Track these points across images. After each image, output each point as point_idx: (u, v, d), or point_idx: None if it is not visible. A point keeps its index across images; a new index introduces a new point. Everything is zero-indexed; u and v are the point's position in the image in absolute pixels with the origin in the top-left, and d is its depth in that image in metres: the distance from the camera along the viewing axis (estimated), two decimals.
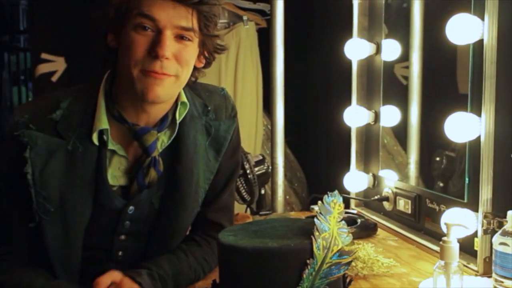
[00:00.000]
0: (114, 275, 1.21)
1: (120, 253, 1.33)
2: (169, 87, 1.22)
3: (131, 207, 1.30)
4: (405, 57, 1.86)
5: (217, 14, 1.25)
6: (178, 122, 1.30)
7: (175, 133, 1.31)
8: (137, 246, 1.34)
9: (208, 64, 1.33)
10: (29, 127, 1.23)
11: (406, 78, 1.90)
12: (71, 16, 2.62)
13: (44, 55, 2.75)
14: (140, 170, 1.27)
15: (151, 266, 1.28)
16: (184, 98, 1.32)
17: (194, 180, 1.33)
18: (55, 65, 2.77)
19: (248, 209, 1.99)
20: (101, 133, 1.25)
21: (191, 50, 1.23)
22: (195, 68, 1.30)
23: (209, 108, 1.38)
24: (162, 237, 1.34)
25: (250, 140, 2.90)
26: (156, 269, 1.27)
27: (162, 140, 1.30)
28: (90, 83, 1.31)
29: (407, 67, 1.87)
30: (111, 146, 1.26)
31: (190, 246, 1.38)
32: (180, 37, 1.21)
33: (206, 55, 1.31)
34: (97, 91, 1.27)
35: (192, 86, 1.38)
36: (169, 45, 1.19)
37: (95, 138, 1.24)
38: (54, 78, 2.78)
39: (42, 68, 2.76)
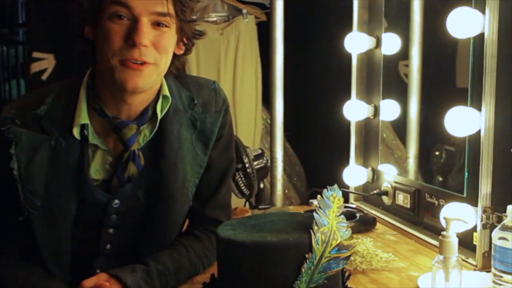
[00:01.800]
0: (100, 277, 1.20)
1: (108, 246, 1.33)
2: (148, 75, 1.21)
3: (116, 201, 1.29)
4: (403, 51, 1.85)
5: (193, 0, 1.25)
6: (159, 116, 1.29)
7: (157, 127, 1.30)
8: (126, 240, 1.34)
9: (187, 51, 1.33)
10: (15, 122, 1.24)
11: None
12: (58, 12, 2.62)
13: (35, 54, 2.77)
14: (119, 165, 1.27)
15: (151, 262, 1.27)
16: (166, 91, 1.31)
17: (180, 174, 1.32)
18: (45, 63, 2.78)
19: (247, 203, 1.99)
20: (83, 128, 1.26)
21: (169, 37, 1.23)
22: (174, 56, 1.29)
23: (195, 102, 1.37)
24: (154, 232, 1.34)
25: (249, 134, 2.90)
26: (155, 265, 1.26)
27: (144, 134, 1.30)
28: (76, 77, 1.31)
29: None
30: (92, 140, 1.27)
31: (191, 241, 1.37)
32: (157, 24, 1.20)
33: (185, 41, 1.30)
34: (80, 85, 1.28)
35: (182, 79, 1.38)
36: (146, 32, 1.18)
37: (76, 133, 1.25)
38: (44, 76, 2.79)
39: (35, 67, 2.78)
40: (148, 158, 1.30)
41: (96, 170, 1.29)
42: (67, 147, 1.25)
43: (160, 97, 1.30)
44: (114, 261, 1.29)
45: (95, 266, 1.32)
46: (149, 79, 1.22)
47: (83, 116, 1.25)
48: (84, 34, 1.26)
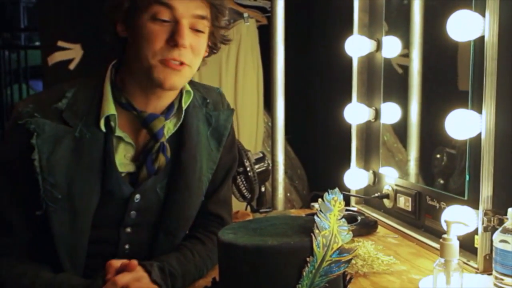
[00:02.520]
0: (127, 261, 1.20)
1: (127, 246, 1.33)
2: (185, 75, 1.26)
3: (137, 196, 1.31)
4: (403, 53, 1.86)
5: (226, 7, 1.31)
6: (183, 109, 1.34)
7: (181, 120, 1.34)
8: (143, 239, 1.35)
9: (210, 54, 1.37)
10: (34, 115, 1.23)
11: (403, 75, 1.90)
12: (83, 3, 2.61)
13: (61, 43, 2.72)
14: (149, 156, 1.29)
15: (164, 263, 1.28)
16: (188, 87, 1.35)
17: (197, 167, 1.36)
18: (71, 53, 2.75)
19: (248, 207, 1.99)
20: (107, 120, 1.26)
21: (203, 41, 1.28)
22: None
23: (208, 101, 1.43)
24: (169, 228, 1.35)
25: (251, 138, 2.90)
26: (168, 266, 1.27)
27: (168, 127, 1.33)
28: (95, 74, 1.33)
29: (405, 56, 1.86)
30: (118, 132, 1.28)
31: (195, 245, 1.38)
32: (193, 27, 1.25)
33: (211, 45, 1.34)
34: (103, 80, 1.29)
35: (190, 82, 1.40)
36: (187, 35, 1.23)
37: (102, 125, 1.26)
38: (72, 66, 2.75)
39: (57, 57, 2.73)
40: (171, 151, 1.33)
41: (120, 163, 1.29)
42: (92, 139, 1.25)
43: (184, 92, 1.34)
44: None
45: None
46: (184, 78, 1.28)
47: (110, 107, 1.26)
48: (116, 30, 1.28)
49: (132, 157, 1.31)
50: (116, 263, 1.20)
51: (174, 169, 1.34)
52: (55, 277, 1.23)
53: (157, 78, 1.23)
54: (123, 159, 1.30)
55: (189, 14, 1.23)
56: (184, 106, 1.34)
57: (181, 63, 1.23)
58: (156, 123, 1.28)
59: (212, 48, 1.35)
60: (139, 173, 1.30)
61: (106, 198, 1.28)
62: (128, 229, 1.33)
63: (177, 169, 1.34)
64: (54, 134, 1.23)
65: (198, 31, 1.25)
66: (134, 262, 1.19)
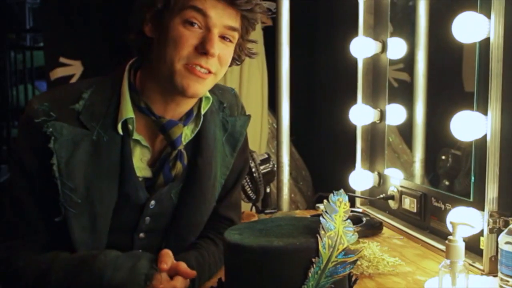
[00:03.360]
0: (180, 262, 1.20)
1: (139, 251, 1.31)
2: (208, 84, 1.26)
3: (153, 202, 1.30)
4: (405, 56, 1.86)
5: (258, 21, 1.29)
6: (202, 115, 1.32)
7: (199, 127, 1.32)
8: (155, 244, 1.34)
9: (232, 65, 1.35)
10: (50, 114, 1.21)
11: (398, 80, 1.90)
12: (85, 19, 2.66)
13: (62, 59, 2.78)
14: (166, 163, 1.28)
15: (182, 259, 1.25)
16: (207, 93, 1.33)
17: (212, 173, 1.35)
18: (72, 69, 2.80)
19: (254, 208, 1.99)
20: (124, 123, 1.25)
21: (231, 51, 1.27)
22: None
23: (224, 105, 1.41)
24: (180, 233, 1.35)
25: (256, 139, 2.90)
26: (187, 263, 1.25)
27: (186, 134, 1.32)
28: (112, 74, 1.30)
29: (401, 70, 1.87)
30: (135, 136, 1.26)
31: (210, 246, 1.38)
32: (222, 37, 1.23)
33: (235, 57, 1.32)
34: (120, 81, 1.27)
35: None
36: (217, 44, 1.21)
37: (120, 128, 1.24)
38: (72, 81, 2.80)
39: (59, 72, 2.79)
40: (188, 157, 1.32)
41: (137, 167, 1.28)
42: (109, 142, 1.23)
43: (204, 99, 1.33)
44: None
45: None
46: (207, 87, 1.26)
47: (129, 110, 1.24)
48: (143, 29, 1.26)
49: (149, 162, 1.30)
50: (171, 256, 1.18)
51: (189, 175, 1.33)
52: (76, 254, 1.21)
53: (180, 84, 1.21)
54: (139, 162, 1.29)
55: (221, 24, 1.21)
56: (203, 111, 1.32)
57: (208, 72, 1.22)
58: (175, 130, 1.26)
59: (236, 60, 1.33)
60: (156, 180, 1.29)
61: (122, 203, 1.26)
62: (142, 235, 1.32)
63: (193, 175, 1.33)
64: (72, 138, 1.21)
65: (227, 40, 1.24)
66: (192, 272, 1.19)
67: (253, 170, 1.83)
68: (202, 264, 1.31)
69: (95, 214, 1.23)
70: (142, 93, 1.26)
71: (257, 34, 2.90)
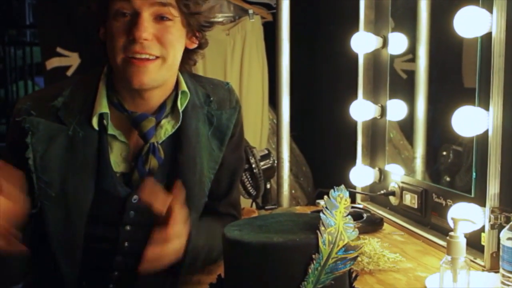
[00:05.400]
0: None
1: (126, 243, 1.32)
2: (154, 71, 1.21)
3: (135, 197, 1.29)
4: (409, 50, 1.85)
5: None
6: (180, 111, 1.31)
7: (179, 122, 1.31)
8: (143, 237, 1.32)
9: (202, 45, 1.33)
10: (30, 113, 1.25)
11: (408, 72, 1.89)
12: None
13: (59, 49, 2.77)
14: (139, 157, 1.28)
15: None
16: (184, 87, 1.32)
17: (197, 169, 1.33)
18: (69, 60, 2.80)
19: (254, 204, 1.99)
20: (101, 118, 1.26)
21: (174, 31, 1.23)
22: (189, 50, 1.31)
23: (211, 99, 1.38)
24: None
25: (256, 135, 2.90)
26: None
27: (166, 129, 1.31)
28: (93, 71, 1.32)
29: (410, 60, 1.86)
30: (111, 131, 1.27)
31: (208, 220, 1.38)
32: (160, 18, 1.21)
33: (197, 34, 1.30)
34: (98, 79, 1.29)
35: (197, 78, 1.40)
36: (147, 26, 1.18)
37: (95, 123, 1.25)
38: (69, 72, 2.80)
39: (55, 62, 2.78)
40: (167, 152, 1.30)
41: (114, 162, 1.29)
42: (85, 137, 1.25)
43: (180, 93, 1.31)
44: (132, 261, 1.27)
45: (114, 266, 1.31)
46: (155, 74, 1.22)
47: (103, 105, 1.26)
48: (99, 35, 1.27)
49: (128, 157, 1.30)
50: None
51: (171, 171, 1.32)
52: None
53: (125, 77, 1.21)
54: (118, 157, 1.29)
55: (148, 4, 1.18)
56: (181, 107, 1.31)
57: (147, 59, 1.19)
58: (145, 124, 1.26)
59: (197, 38, 1.31)
60: (132, 175, 1.29)
61: (102, 197, 1.27)
62: (128, 227, 1.32)
63: (175, 171, 1.32)
64: (48, 133, 1.24)
65: (164, 19, 1.20)
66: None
67: (253, 166, 1.82)
68: (208, 226, 1.32)
69: (69, 207, 1.24)
70: (115, 90, 1.28)
71: (257, 30, 2.90)
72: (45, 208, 1.23)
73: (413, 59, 1.85)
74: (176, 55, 1.25)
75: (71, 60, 2.81)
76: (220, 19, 2.87)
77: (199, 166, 1.34)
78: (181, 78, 1.33)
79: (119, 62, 1.20)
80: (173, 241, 1.17)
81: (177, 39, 1.24)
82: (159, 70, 1.22)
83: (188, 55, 1.32)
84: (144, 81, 1.21)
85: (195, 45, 1.32)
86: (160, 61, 1.22)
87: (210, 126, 1.37)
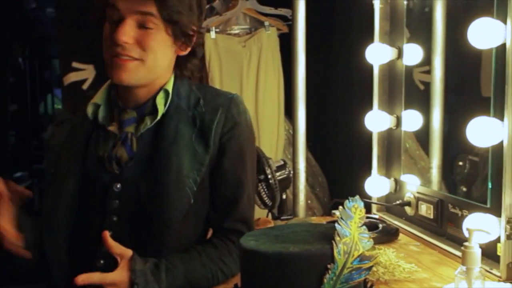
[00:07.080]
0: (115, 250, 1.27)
1: (111, 233, 1.29)
2: (134, 71, 1.32)
3: (119, 185, 1.36)
4: (425, 61, 1.85)
5: (181, 1, 1.31)
6: (158, 107, 1.37)
7: (158, 117, 1.37)
8: (128, 230, 1.35)
9: (197, 52, 1.42)
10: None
11: (424, 83, 1.89)
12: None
13: (75, 64, 2.82)
14: (113, 143, 1.38)
15: (162, 259, 1.30)
16: (168, 87, 1.40)
17: (173, 167, 1.34)
18: (85, 73, 2.84)
19: (270, 214, 2.00)
20: (97, 111, 1.41)
21: (156, 37, 1.31)
22: (182, 57, 1.39)
23: (200, 102, 1.41)
24: (152, 228, 1.33)
25: (272, 145, 2.91)
26: (165, 261, 1.30)
27: (146, 123, 1.38)
28: None
29: (427, 72, 1.86)
30: (102, 120, 1.40)
31: (205, 247, 1.39)
32: (142, 24, 1.30)
33: (186, 42, 1.37)
34: None
35: (202, 88, 1.46)
36: (128, 31, 1.29)
37: (89, 112, 1.40)
38: (85, 86, 2.85)
39: (72, 77, 2.83)
40: (143, 150, 1.37)
41: (103, 151, 1.38)
42: (80, 125, 1.42)
43: (161, 91, 1.39)
44: None
45: (98, 255, 1.34)
46: (134, 74, 1.32)
47: (98, 97, 1.42)
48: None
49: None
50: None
51: (147, 167, 1.36)
52: None
53: (110, 74, 1.34)
54: (107, 147, 1.38)
55: (131, 11, 1.29)
56: (159, 104, 1.37)
57: (127, 59, 1.30)
58: (124, 114, 1.38)
59: (189, 46, 1.38)
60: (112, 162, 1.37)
61: (88, 183, 1.38)
62: (114, 218, 1.35)
63: (150, 167, 1.35)
64: (62, 120, 1.46)
65: (147, 28, 1.30)
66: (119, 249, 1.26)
67: (269, 176, 1.83)
68: (187, 261, 1.32)
69: (57, 190, 1.38)
70: (116, 87, 1.41)
71: (273, 42, 2.92)
72: (45, 191, 1.39)
73: (429, 70, 1.86)
74: (156, 59, 1.33)
75: (87, 73, 2.86)
76: (236, 31, 2.89)
77: (175, 166, 1.34)
78: (170, 81, 1.40)
79: (107, 61, 1.34)
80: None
81: (159, 44, 1.32)
82: (137, 70, 1.32)
83: (183, 62, 1.41)
84: (122, 77, 1.32)
85: (184, 52, 1.39)
86: (138, 63, 1.32)
87: (194, 127, 1.38)
